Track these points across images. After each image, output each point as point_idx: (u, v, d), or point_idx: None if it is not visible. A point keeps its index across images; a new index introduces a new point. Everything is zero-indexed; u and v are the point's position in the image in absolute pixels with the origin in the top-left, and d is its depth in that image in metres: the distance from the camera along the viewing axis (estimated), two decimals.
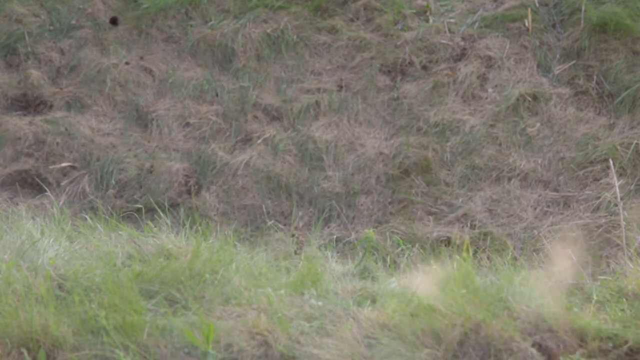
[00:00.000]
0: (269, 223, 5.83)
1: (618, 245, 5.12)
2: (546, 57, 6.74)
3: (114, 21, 7.21)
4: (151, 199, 5.91)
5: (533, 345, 3.05)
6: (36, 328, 3.00)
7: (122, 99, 6.68)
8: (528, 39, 6.85)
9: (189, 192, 6.02)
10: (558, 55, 6.75)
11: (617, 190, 4.91)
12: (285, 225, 5.83)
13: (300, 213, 5.94)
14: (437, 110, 6.44)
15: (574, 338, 3.10)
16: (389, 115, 6.53)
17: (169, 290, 3.25)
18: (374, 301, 3.40)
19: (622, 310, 3.38)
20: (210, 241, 3.87)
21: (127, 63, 6.87)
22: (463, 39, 6.95)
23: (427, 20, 7.18)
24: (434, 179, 6.03)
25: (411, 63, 6.83)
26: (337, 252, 5.21)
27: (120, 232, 4.07)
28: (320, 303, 3.27)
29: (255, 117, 6.53)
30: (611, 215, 5.48)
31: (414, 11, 7.23)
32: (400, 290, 3.50)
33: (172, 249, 3.73)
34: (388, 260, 5.03)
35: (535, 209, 5.73)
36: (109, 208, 5.83)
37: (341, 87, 6.73)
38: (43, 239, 3.78)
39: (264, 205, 5.99)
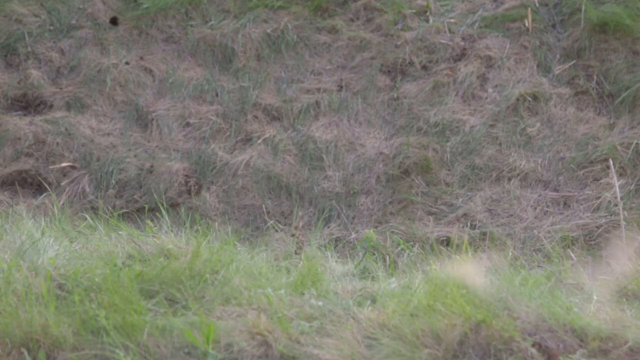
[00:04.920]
0: (269, 223, 5.83)
1: (618, 245, 5.12)
2: (546, 57, 6.73)
3: (114, 21, 7.20)
4: (151, 199, 5.91)
5: (533, 345, 3.06)
6: (36, 328, 3.00)
7: (122, 99, 6.68)
8: (528, 39, 6.85)
9: (189, 192, 6.02)
10: (558, 55, 6.75)
11: (617, 190, 4.92)
12: (285, 225, 5.83)
13: (300, 213, 5.94)
14: (437, 110, 6.44)
15: (574, 338, 3.10)
16: (389, 115, 6.53)
17: (169, 290, 3.25)
18: (374, 301, 3.40)
19: (622, 310, 3.39)
20: (210, 241, 3.87)
21: (127, 63, 6.87)
22: (463, 39, 6.95)
23: (427, 20, 7.17)
24: (434, 179, 6.02)
25: (411, 63, 6.82)
26: (337, 252, 5.21)
27: (120, 232, 4.07)
28: (320, 303, 3.27)
29: (255, 117, 6.53)
30: (611, 215, 5.48)
31: (414, 11, 7.23)
32: (400, 290, 3.50)
33: (172, 249, 3.73)
34: (388, 260, 5.03)
35: (535, 209, 5.73)
36: (109, 208, 5.83)
37: (341, 87, 6.72)
38: (43, 239, 3.78)
39: (264, 205, 5.99)
